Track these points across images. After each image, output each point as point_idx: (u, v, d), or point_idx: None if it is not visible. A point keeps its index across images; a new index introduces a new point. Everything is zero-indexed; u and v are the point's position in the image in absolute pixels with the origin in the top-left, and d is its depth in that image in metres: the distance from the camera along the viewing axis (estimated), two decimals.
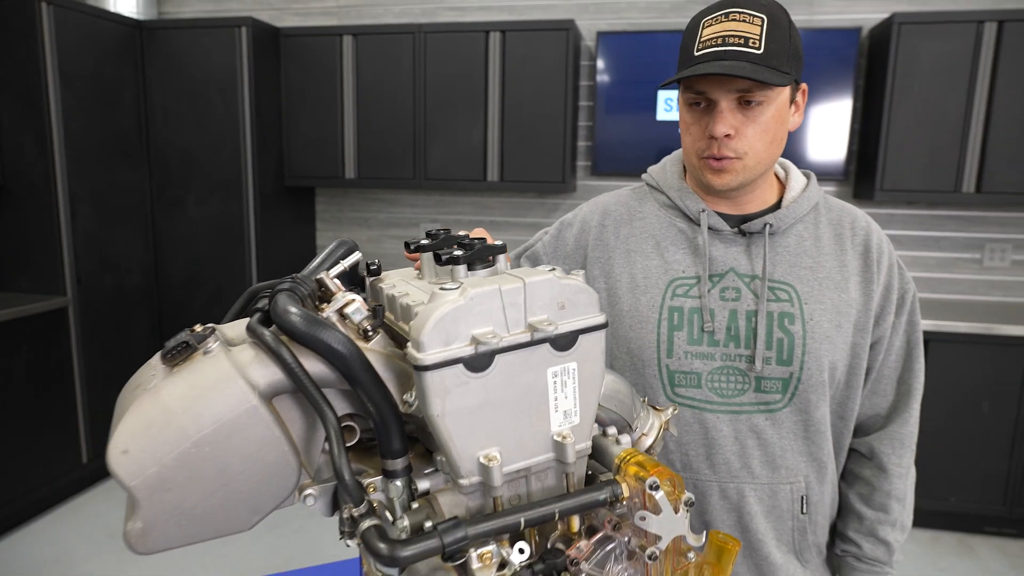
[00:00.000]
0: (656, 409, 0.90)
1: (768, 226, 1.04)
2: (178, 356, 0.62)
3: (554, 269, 0.66)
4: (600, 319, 0.67)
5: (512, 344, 0.62)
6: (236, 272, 3.72)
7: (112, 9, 3.66)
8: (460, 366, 0.60)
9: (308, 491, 0.67)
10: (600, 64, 3.58)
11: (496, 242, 0.72)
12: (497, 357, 0.61)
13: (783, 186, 1.10)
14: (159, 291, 3.83)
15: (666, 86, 1.01)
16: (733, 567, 0.71)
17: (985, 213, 3.49)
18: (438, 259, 0.69)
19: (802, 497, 1.07)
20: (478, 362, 0.61)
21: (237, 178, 3.61)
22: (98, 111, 3.40)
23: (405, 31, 3.58)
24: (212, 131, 3.61)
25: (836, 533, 1.16)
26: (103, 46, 3.40)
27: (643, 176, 1.18)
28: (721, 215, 1.07)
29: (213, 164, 3.65)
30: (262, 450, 0.60)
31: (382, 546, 0.57)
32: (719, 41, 0.93)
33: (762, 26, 0.93)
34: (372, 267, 0.79)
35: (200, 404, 0.58)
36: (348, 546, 0.67)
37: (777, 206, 1.08)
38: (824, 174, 3.38)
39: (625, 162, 3.66)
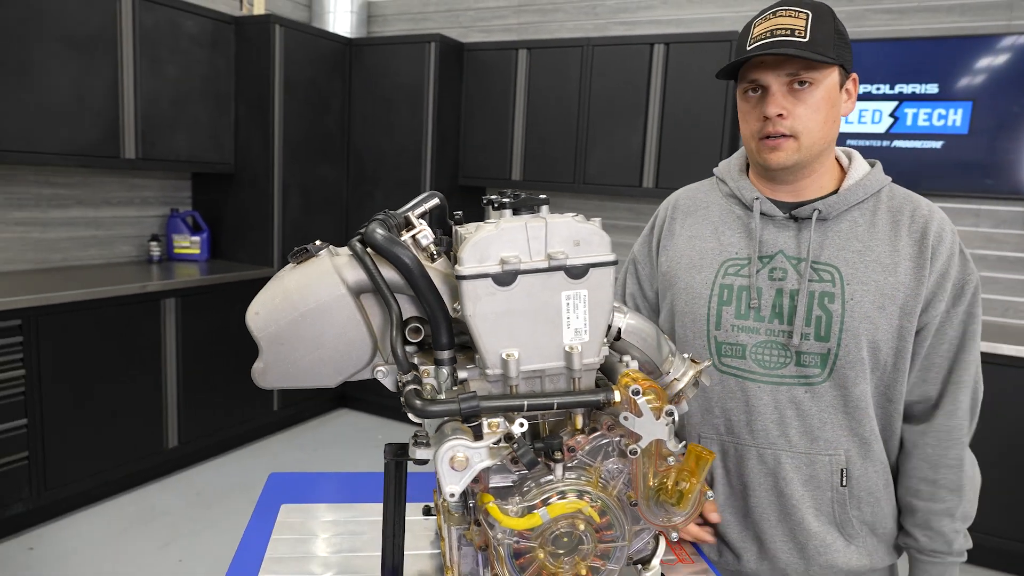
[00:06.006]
0: (694, 361, 1.02)
1: (817, 212, 1.10)
2: (298, 257, 0.87)
3: (577, 215, 0.83)
4: (609, 257, 0.82)
5: (531, 268, 0.80)
6: None
7: (331, 29, 4.30)
8: (489, 280, 0.79)
9: (380, 367, 0.89)
10: None
11: (541, 196, 0.90)
12: (520, 276, 0.80)
13: (845, 175, 1.14)
14: None
15: (721, 77, 1.12)
16: (706, 475, 0.82)
17: None
18: (494, 206, 0.88)
19: (842, 470, 1.10)
20: (503, 278, 0.80)
21: (417, 177, 4.06)
22: (310, 115, 4.01)
23: (574, 45, 3.82)
24: (400, 134, 4.09)
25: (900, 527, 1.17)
26: (319, 60, 4.01)
27: (714, 169, 1.28)
28: (778, 203, 1.14)
29: (398, 164, 4.13)
30: (346, 328, 0.84)
31: (418, 402, 0.78)
32: (768, 34, 1.03)
33: (807, 20, 1.02)
34: (456, 216, 1.01)
35: (307, 288, 0.83)
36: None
37: (835, 194, 1.13)
38: None
39: None
